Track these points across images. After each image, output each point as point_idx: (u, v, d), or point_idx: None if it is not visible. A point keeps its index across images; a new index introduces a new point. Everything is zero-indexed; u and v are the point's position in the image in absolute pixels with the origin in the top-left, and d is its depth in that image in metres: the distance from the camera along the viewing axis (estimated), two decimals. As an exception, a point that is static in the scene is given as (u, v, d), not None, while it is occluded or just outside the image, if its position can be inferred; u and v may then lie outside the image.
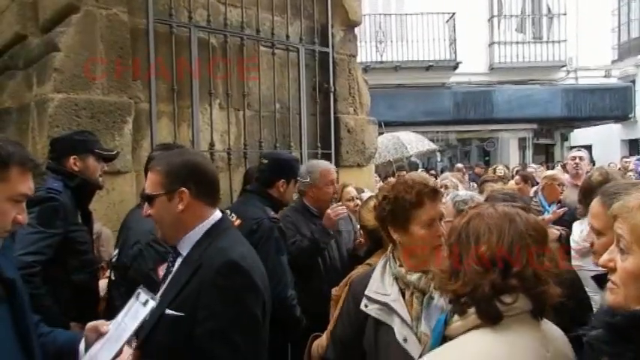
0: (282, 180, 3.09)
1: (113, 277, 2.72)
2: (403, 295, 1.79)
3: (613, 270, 1.14)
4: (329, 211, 3.19)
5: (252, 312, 1.61)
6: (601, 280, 1.30)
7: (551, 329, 1.35)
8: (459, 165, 11.32)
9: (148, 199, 1.72)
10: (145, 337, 1.60)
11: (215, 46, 4.01)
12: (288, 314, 2.83)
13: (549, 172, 5.65)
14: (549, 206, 4.60)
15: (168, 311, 1.59)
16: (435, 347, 1.35)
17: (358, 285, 1.92)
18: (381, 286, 1.82)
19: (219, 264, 1.59)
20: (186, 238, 1.70)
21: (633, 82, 16.18)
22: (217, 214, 1.77)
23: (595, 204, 1.72)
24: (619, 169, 9.36)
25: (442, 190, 2.20)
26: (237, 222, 2.93)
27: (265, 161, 3.15)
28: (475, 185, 7.27)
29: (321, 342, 2.21)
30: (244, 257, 1.66)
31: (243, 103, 4.17)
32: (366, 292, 1.83)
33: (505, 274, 1.24)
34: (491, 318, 1.24)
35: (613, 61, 16.99)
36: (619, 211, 1.14)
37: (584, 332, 1.19)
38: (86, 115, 3.25)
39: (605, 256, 1.17)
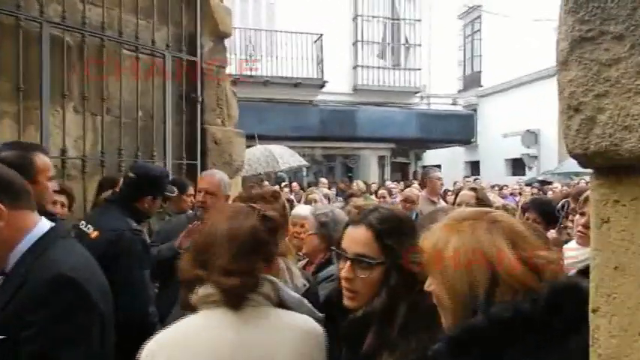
0: (150, 197, 2.92)
1: None
2: None
3: None
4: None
5: (85, 328, 1.47)
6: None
7: (270, 322, 1.44)
8: (324, 180, 11.68)
9: None
10: None
11: (71, 45, 3.71)
12: (147, 331, 2.67)
13: (406, 191, 6.33)
14: None
15: None
16: None
17: None
18: None
19: (47, 278, 1.42)
20: (12, 255, 1.49)
21: (475, 110, 18.24)
22: (45, 223, 1.57)
23: None
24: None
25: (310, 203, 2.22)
26: (95, 234, 2.72)
27: (133, 175, 2.90)
28: (340, 199, 7.61)
29: None
30: (76, 269, 1.50)
31: (101, 108, 3.90)
32: None
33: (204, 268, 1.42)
34: (184, 302, 1.45)
35: (459, 91, 19.04)
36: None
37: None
38: None
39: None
